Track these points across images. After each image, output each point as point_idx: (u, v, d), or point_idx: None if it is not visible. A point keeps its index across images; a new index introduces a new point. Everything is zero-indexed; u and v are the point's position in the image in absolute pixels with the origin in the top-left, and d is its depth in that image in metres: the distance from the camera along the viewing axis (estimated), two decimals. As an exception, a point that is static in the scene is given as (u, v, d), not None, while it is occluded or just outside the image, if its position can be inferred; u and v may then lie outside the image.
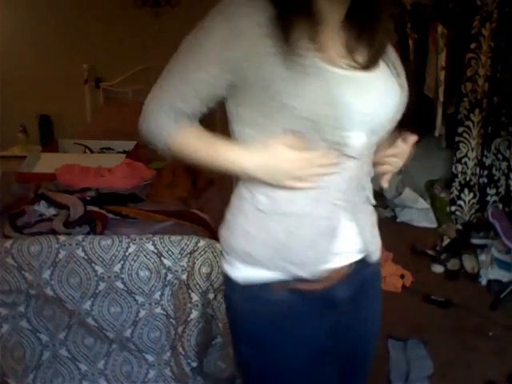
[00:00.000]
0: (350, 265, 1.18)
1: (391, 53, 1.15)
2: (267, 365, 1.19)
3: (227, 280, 1.18)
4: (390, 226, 3.64)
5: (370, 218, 1.22)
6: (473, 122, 3.40)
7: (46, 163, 2.71)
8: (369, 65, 1.10)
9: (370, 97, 1.09)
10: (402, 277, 2.98)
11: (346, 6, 1.09)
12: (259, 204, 1.10)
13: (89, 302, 1.84)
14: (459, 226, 3.48)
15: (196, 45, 1.08)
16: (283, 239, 1.09)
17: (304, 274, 1.10)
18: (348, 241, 1.15)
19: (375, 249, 1.23)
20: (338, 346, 1.26)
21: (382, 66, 1.13)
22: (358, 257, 1.19)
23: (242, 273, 1.14)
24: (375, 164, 1.20)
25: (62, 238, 1.83)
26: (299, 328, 1.15)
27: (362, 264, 1.20)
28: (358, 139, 1.09)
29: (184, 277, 1.81)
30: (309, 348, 1.17)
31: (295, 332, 1.15)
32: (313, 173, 1.06)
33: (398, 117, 1.15)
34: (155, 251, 1.82)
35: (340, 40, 1.11)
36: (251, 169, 1.07)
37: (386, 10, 1.14)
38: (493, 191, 3.53)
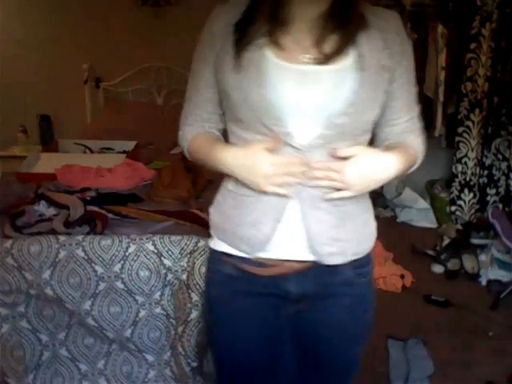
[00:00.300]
0: (305, 262, 1.20)
1: (365, 45, 1.14)
2: (217, 330, 1.35)
3: None
4: (390, 226, 3.64)
5: (330, 218, 1.19)
6: (473, 122, 3.40)
7: (46, 163, 2.71)
8: (331, 58, 1.12)
9: (318, 89, 1.12)
10: (402, 277, 2.98)
11: (322, 5, 1.13)
12: (230, 185, 1.24)
13: (89, 302, 1.84)
14: (459, 226, 3.48)
15: (195, 53, 1.25)
16: (238, 216, 1.22)
17: (248, 250, 1.21)
18: (292, 233, 1.19)
19: (332, 253, 1.20)
20: (298, 342, 1.31)
21: (348, 59, 1.13)
22: (309, 257, 1.20)
23: (213, 242, 1.30)
24: None
25: (61, 237, 1.83)
26: (238, 304, 1.27)
27: (323, 268, 1.21)
28: (305, 131, 1.13)
29: (184, 277, 1.81)
30: (249, 326, 1.28)
31: (233, 306, 1.27)
32: (289, 181, 1.12)
33: (356, 112, 1.13)
34: (155, 251, 1.82)
35: (310, 36, 1.15)
36: (236, 170, 1.16)
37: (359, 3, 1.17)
38: (493, 191, 3.53)
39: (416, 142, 1.26)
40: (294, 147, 1.13)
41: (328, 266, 1.21)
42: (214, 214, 1.30)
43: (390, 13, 1.21)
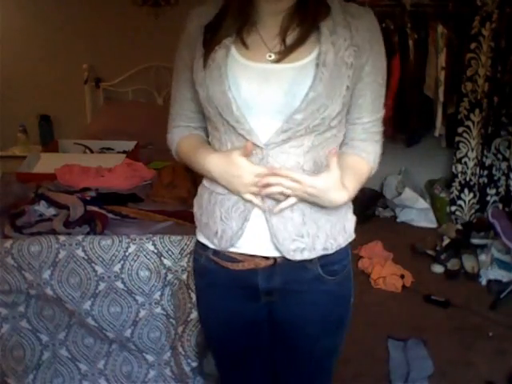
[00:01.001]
0: (272, 258, 1.23)
1: (328, 42, 1.14)
2: (200, 312, 1.45)
3: None
4: (390, 226, 3.65)
5: (293, 216, 1.20)
6: (473, 122, 3.40)
7: (46, 163, 2.71)
8: (293, 50, 1.15)
9: (278, 87, 1.14)
10: (402, 277, 2.98)
11: (288, 1, 1.16)
12: (206, 182, 1.31)
13: (89, 302, 1.84)
14: (459, 226, 3.48)
15: (176, 53, 1.29)
16: (211, 211, 1.27)
17: (218, 244, 1.26)
18: (258, 231, 1.22)
19: (297, 249, 1.22)
20: (273, 330, 1.35)
21: (310, 56, 1.15)
22: (274, 253, 1.23)
23: (196, 234, 1.35)
24: None
25: (62, 237, 1.83)
26: (213, 293, 1.34)
27: (291, 264, 1.23)
28: (267, 128, 1.15)
29: (184, 277, 1.81)
30: (224, 315, 1.35)
31: (208, 296, 1.36)
32: (266, 192, 1.14)
33: (314, 108, 1.13)
34: (155, 251, 1.82)
35: (276, 33, 1.17)
36: (218, 177, 1.21)
37: None
38: (493, 191, 3.54)
39: (373, 148, 1.26)
40: (255, 144, 1.16)
41: (296, 262, 1.23)
42: (196, 206, 1.35)
43: (363, 10, 1.20)
